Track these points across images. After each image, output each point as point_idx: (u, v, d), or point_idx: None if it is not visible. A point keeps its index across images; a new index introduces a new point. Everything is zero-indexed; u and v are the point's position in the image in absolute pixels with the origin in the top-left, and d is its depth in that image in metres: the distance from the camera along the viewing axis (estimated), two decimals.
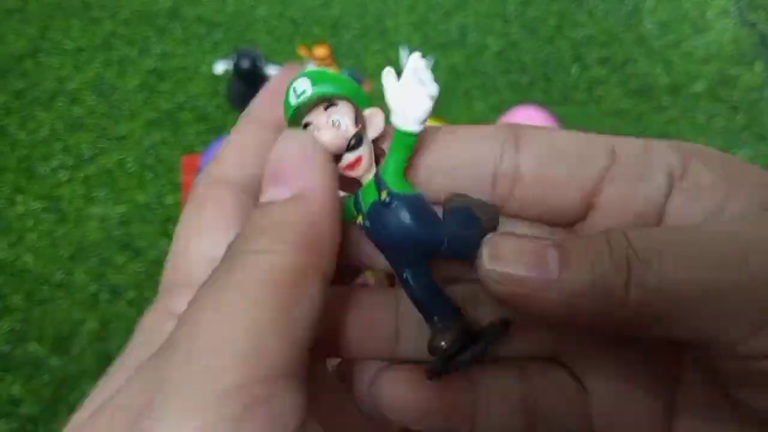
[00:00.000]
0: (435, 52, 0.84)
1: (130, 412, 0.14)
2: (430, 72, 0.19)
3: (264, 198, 0.16)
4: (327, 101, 0.19)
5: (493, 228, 0.20)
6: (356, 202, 0.20)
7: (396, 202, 0.19)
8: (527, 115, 0.60)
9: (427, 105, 0.18)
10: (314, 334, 0.15)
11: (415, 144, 0.19)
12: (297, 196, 0.16)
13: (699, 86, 0.80)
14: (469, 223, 0.19)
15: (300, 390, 0.14)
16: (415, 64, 0.19)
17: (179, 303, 0.17)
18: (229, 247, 0.16)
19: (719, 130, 0.75)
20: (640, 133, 0.70)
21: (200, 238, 0.19)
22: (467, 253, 0.19)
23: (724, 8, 0.92)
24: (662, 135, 0.74)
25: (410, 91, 0.18)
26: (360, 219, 0.19)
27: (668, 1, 0.94)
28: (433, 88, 0.18)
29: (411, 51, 0.76)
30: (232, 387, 0.13)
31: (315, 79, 0.19)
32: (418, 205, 0.19)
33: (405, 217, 0.19)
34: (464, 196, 0.20)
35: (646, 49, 0.86)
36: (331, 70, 0.19)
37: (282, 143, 0.17)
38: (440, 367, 0.20)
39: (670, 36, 0.88)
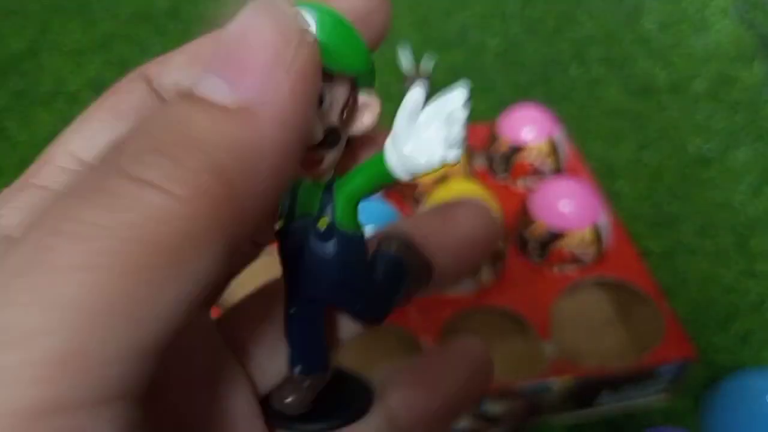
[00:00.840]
0: (435, 51, 0.84)
1: None
2: (464, 126, 0.13)
3: (194, 88, 0.10)
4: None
5: (416, 290, 0.17)
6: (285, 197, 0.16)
7: (335, 240, 0.15)
8: (527, 114, 0.60)
9: (434, 160, 0.14)
10: (185, 321, 0.10)
11: (390, 186, 0.15)
12: (243, 109, 0.10)
13: (699, 86, 0.80)
14: (394, 283, 0.16)
15: (130, 417, 0.09)
16: (457, 100, 0.13)
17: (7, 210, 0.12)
18: (103, 158, 0.10)
19: (719, 129, 0.75)
20: (639, 133, 0.71)
21: (77, 131, 0.14)
22: (367, 314, 0.16)
23: (724, 8, 0.92)
24: (662, 134, 0.74)
25: (426, 131, 0.14)
26: (279, 222, 0.16)
27: (668, 1, 0.94)
28: (456, 148, 0.14)
29: (411, 50, 0.76)
30: (20, 412, 0.08)
31: (324, 32, 0.13)
32: (356, 252, 0.16)
33: (336, 262, 0.15)
34: (399, 241, 0.17)
35: (646, 49, 0.86)
36: (346, 22, 0.14)
37: (253, 15, 0.11)
38: (277, 421, 0.17)
39: (670, 36, 0.88)
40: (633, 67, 0.83)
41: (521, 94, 0.79)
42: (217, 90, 0.10)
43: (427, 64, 0.78)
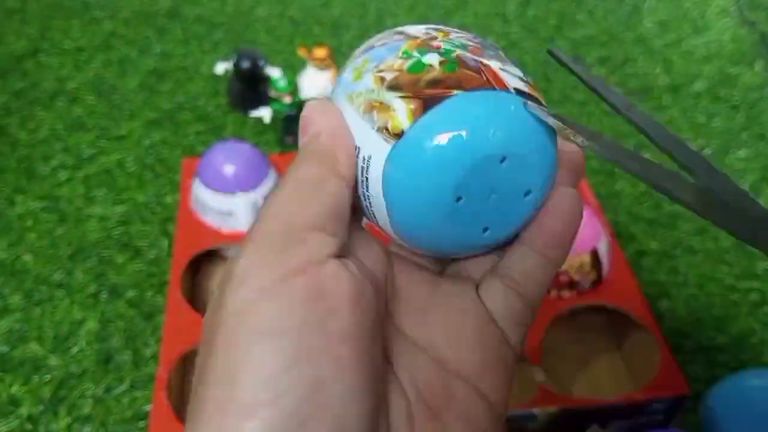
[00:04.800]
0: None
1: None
2: None
3: (300, 142, 0.22)
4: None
5: None
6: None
7: None
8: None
9: None
10: (335, 214, 0.20)
11: None
12: (314, 134, 0.22)
13: (699, 86, 0.80)
14: None
15: (329, 236, 0.20)
16: None
17: None
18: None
19: (719, 130, 0.75)
20: (640, 133, 0.70)
21: None
22: None
23: (724, 8, 0.92)
24: None
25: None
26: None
27: (668, 1, 0.94)
28: None
29: None
30: (282, 231, 0.19)
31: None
32: None
33: None
34: None
35: (646, 49, 0.86)
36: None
37: (306, 108, 0.23)
38: None
39: (670, 36, 0.88)
40: (633, 67, 0.83)
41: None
42: (304, 137, 0.23)
43: None
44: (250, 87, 0.74)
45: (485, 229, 0.22)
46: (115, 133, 0.72)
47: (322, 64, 0.73)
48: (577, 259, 0.51)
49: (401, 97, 0.20)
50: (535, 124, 0.20)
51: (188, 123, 0.73)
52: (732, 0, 0.93)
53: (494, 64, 0.21)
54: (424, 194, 0.20)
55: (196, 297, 0.55)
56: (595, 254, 0.51)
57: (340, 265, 0.19)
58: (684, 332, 0.56)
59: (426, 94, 0.20)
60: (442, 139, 0.20)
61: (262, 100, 0.75)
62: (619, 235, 0.63)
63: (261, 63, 0.73)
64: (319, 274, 0.19)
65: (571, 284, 0.51)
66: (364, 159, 0.21)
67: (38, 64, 0.80)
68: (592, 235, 0.52)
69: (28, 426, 0.49)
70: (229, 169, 0.54)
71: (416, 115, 0.20)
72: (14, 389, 0.51)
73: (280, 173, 0.58)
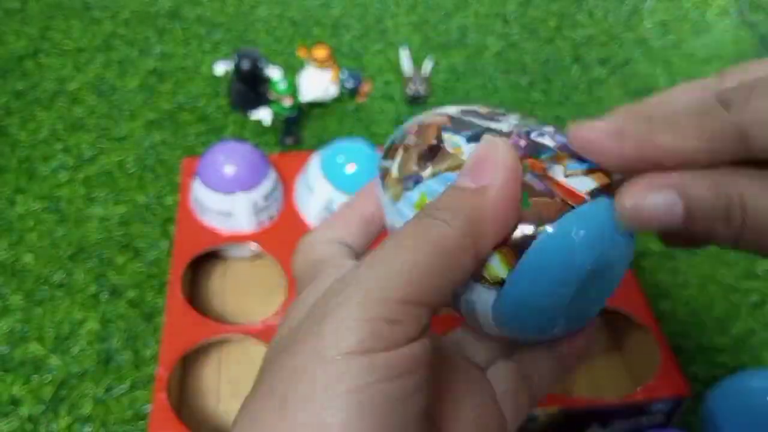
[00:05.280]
0: (435, 52, 0.84)
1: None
2: None
3: (458, 182, 0.21)
4: None
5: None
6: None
7: None
8: None
9: None
10: (453, 291, 0.20)
11: None
12: (479, 189, 0.20)
13: None
14: None
15: (429, 317, 0.20)
16: None
17: None
18: (422, 209, 0.21)
19: None
20: None
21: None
22: None
23: (725, 8, 0.92)
24: None
25: None
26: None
27: (668, 2, 0.94)
28: None
29: (411, 52, 0.76)
30: (390, 299, 0.19)
31: None
32: None
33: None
34: None
35: (646, 50, 0.86)
36: None
37: (484, 143, 0.21)
38: None
39: (670, 36, 0.88)
40: (633, 67, 0.83)
41: (521, 94, 0.79)
42: (467, 182, 0.21)
43: (428, 65, 0.78)
44: (250, 88, 0.74)
45: (566, 322, 0.23)
46: (116, 134, 0.72)
47: (322, 65, 0.73)
48: None
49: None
50: (615, 225, 0.21)
51: (189, 123, 0.73)
52: (732, 1, 0.93)
53: (559, 174, 0.21)
54: (533, 317, 0.22)
55: (195, 297, 0.55)
56: None
57: (424, 351, 0.19)
58: (684, 333, 0.57)
59: (513, 241, 0.20)
60: (542, 284, 0.20)
61: (263, 101, 0.75)
62: None
63: (261, 64, 0.73)
64: (406, 358, 0.19)
65: None
66: (467, 302, 0.22)
67: (38, 65, 0.80)
68: None
69: (29, 426, 0.49)
70: (229, 170, 0.54)
71: (511, 263, 0.20)
72: (15, 389, 0.51)
73: (280, 174, 0.58)
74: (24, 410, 0.50)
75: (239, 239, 0.55)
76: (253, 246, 0.55)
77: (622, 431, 0.48)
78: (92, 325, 0.55)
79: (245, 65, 0.72)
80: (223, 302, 0.56)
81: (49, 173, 0.67)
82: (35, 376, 0.52)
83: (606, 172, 0.21)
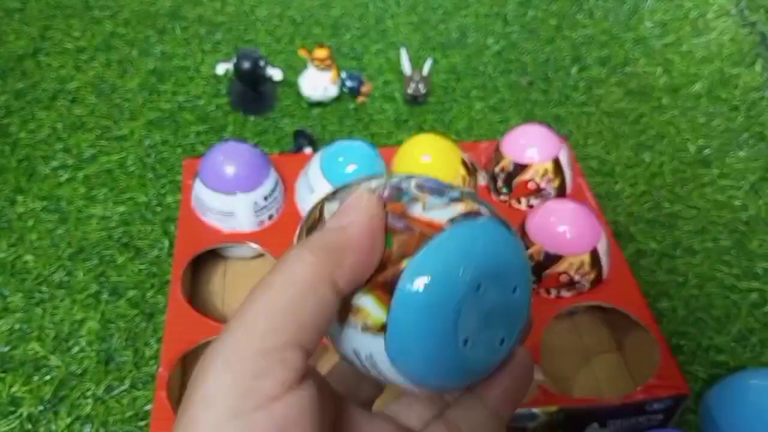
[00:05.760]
0: (435, 52, 0.84)
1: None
2: None
3: (326, 226, 0.22)
4: None
5: None
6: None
7: None
8: (533, 134, 0.58)
9: None
10: (318, 329, 0.20)
11: None
12: (340, 227, 0.21)
13: (699, 86, 0.80)
14: None
15: (304, 353, 0.19)
16: None
17: None
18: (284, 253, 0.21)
19: (719, 130, 0.75)
20: (639, 133, 0.70)
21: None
22: None
23: (724, 8, 0.92)
24: (662, 135, 0.74)
25: None
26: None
27: (668, 2, 0.94)
28: None
29: (411, 51, 0.76)
30: (264, 348, 0.18)
31: None
32: None
33: None
34: None
35: (646, 49, 0.86)
36: None
37: (351, 196, 0.22)
38: None
39: (670, 36, 0.88)
40: (633, 67, 0.83)
41: (521, 94, 0.79)
42: (332, 225, 0.21)
43: (427, 65, 0.78)
44: (250, 87, 0.74)
45: (478, 355, 0.22)
46: (116, 133, 0.72)
47: (322, 65, 0.73)
48: (577, 259, 0.51)
49: (365, 291, 0.21)
50: (483, 243, 0.21)
51: (189, 123, 0.73)
52: (732, 0, 0.93)
53: (417, 210, 0.21)
54: (431, 353, 0.21)
55: (196, 296, 0.55)
56: (594, 254, 0.51)
57: (306, 396, 0.19)
58: (684, 332, 0.57)
59: (384, 282, 0.21)
60: (422, 315, 0.21)
61: (263, 100, 0.75)
62: (618, 235, 0.63)
63: (261, 63, 0.73)
64: (286, 408, 0.18)
65: (571, 284, 0.51)
66: (366, 357, 0.22)
67: (39, 64, 0.80)
68: (592, 235, 0.51)
69: (28, 426, 0.49)
70: (229, 170, 0.54)
71: (386, 302, 0.21)
72: (15, 389, 0.51)
73: (281, 174, 0.59)
74: (24, 410, 0.50)
75: (240, 239, 0.55)
76: (254, 246, 0.55)
77: (621, 431, 0.49)
78: (92, 324, 0.55)
79: (245, 65, 0.72)
80: (224, 302, 0.56)
81: (50, 173, 0.67)
82: (35, 376, 0.52)
83: (473, 199, 0.22)
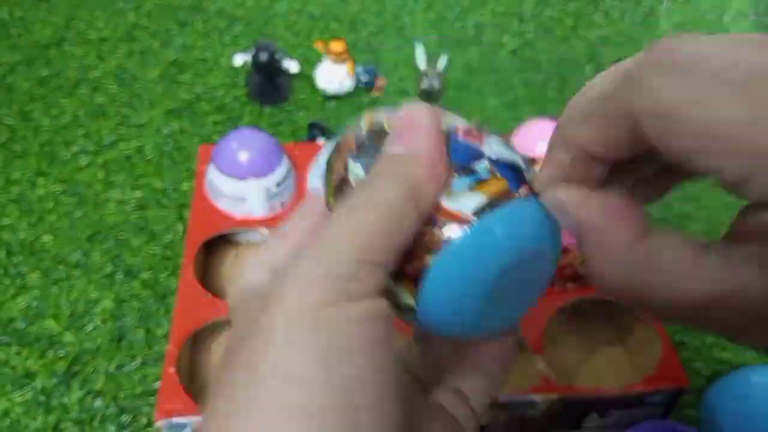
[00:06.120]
0: (450, 49, 0.85)
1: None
2: None
3: (391, 149, 0.22)
4: None
5: None
6: None
7: None
8: (545, 128, 0.59)
9: None
10: (401, 250, 0.21)
11: None
12: (412, 156, 0.22)
13: None
14: None
15: (387, 270, 0.21)
16: None
17: None
18: (363, 180, 0.23)
19: None
20: None
21: None
22: None
23: (742, 11, 0.92)
24: None
25: None
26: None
27: (685, 3, 0.94)
28: None
29: (426, 48, 0.77)
30: (345, 259, 0.20)
31: None
32: None
33: None
34: None
35: None
36: None
37: (407, 111, 0.23)
38: None
39: None
40: None
41: (535, 92, 0.80)
42: (396, 150, 0.22)
43: (442, 61, 0.79)
44: (267, 79, 0.75)
45: (502, 318, 0.24)
46: (135, 121, 0.74)
47: (338, 58, 0.74)
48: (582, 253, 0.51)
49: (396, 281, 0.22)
50: (505, 234, 0.22)
51: (206, 113, 0.75)
52: (749, 2, 0.92)
53: (442, 199, 0.22)
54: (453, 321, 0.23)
55: (207, 280, 0.57)
56: None
57: (383, 305, 0.20)
58: (687, 328, 0.57)
59: (412, 272, 0.22)
60: (447, 308, 0.22)
61: (279, 92, 0.76)
62: None
63: (278, 56, 0.74)
64: (376, 303, 0.20)
65: (576, 277, 0.52)
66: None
67: (62, 53, 0.82)
68: None
69: (42, 398, 0.51)
70: (243, 156, 0.55)
71: (413, 294, 0.22)
72: (30, 363, 0.53)
73: (294, 162, 0.60)
74: (38, 383, 0.51)
75: (251, 224, 0.56)
76: (265, 231, 0.56)
77: (620, 422, 0.49)
78: (107, 303, 0.56)
79: (263, 57, 0.73)
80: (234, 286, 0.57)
81: (70, 157, 0.69)
82: (50, 351, 0.53)
83: (498, 178, 0.23)
